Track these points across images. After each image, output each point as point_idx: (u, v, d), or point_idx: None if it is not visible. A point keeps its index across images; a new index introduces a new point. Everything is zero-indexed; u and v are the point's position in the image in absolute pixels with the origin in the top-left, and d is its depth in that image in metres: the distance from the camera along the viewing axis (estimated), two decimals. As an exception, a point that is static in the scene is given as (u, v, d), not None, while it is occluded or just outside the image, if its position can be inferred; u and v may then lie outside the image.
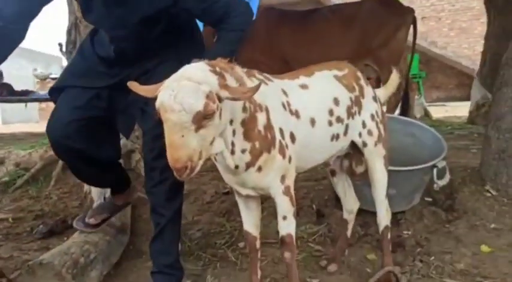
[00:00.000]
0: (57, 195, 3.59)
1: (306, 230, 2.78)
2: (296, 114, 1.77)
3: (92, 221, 2.39)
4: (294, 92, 1.82)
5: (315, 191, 3.33)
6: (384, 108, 5.80)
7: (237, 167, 1.63)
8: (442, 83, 14.27)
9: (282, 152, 1.69)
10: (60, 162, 3.74)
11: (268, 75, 1.78)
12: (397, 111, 5.46)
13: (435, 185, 2.79)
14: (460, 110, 8.84)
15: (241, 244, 2.64)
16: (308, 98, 1.85)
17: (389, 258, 2.18)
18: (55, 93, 2.19)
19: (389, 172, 2.21)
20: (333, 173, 2.32)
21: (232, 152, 1.59)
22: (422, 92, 10.96)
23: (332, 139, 1.92)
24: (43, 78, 12.99)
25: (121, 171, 2.48)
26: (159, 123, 1.95)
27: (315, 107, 1.86)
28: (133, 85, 1.57)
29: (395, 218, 2.82)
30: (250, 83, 1.62)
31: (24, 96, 5.77)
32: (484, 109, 6.36)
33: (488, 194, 3.06)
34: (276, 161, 1.68)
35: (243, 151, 1.61)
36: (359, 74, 2.12)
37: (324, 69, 2.03)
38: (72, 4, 4.26)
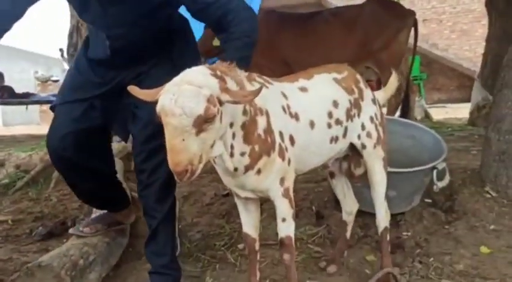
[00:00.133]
0: (57, 197, 3.59)
1: (306, 232, 2.78)
2: (296, 117, 1.77)
3: (86, 230, 2.39)
4: (293, 95, 1.82)
5: (314, 193, 3.33)
6: (384, 110, 5.83)
7: (236, 169, 1.63)
8: (443, 84, 14.27)
9: (282, 154, 1.69)
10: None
11: (268, 78, 1.78)
12: (398, 113, 5.46)
13: (435, 187, 2.79)
14: (461, 111, 8.84)
15: (240, 246, 2.64)
16: (307, 100, 1.85)
17: (388, 260, 2.18)
18: (54, 110, 2.20)
19: (390, 173, 2.21)
20: (332, 175, 2.32)
21: (231, 155, 1.59)
22: (423, 93, 10.98)
23: (331, 141, 1.93)
24: (44, 81, 13.06)
25: (119, 190, 2.46)
26: (148, 126, 1.95)
27: (315, 110, 1.86)
28: (133, 89, 1.56)
29: (395, 219, 2.82)
30: (250, 86, 1.62)
31: (25, 99, 5.80)
32: (485, 111, 6.35)
33: (488, 196, 3.05)
34: (276, 163, 1.69)
35: (242, 154, 1.61)
36: (358, 76, 2.13)
37: (323, 72, 2.03)
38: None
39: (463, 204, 2.95)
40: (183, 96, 1.35)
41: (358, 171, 2.22)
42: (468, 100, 7.76)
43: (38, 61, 16.62)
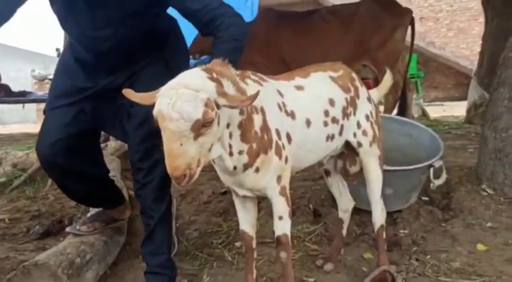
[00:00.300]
0: (54, 196, 3.58)
1: (303, 230, 2.78)
2: (292, 115, 1.77)
3: (83, 228, 2.38)
4: (289, 92, 1.82)
5: (312, 191, 3.34)
6: (381, 109, 5.83)
7: (235, 168, 1.64)
8: (440, 82, 14.29)
9: (279, 152, 1.69)
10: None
11: (263, 76, 1.78)
12: (395, 111, 5.47)
13: (432, 185, 2.80)
14: (458, 109, 8.86)
15: (237, 244, 2.64)
16: (303, 98, 1.85)
17: (384, 257, 2.19)
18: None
19: (386, 171, 2.22)
20: (328, 173, 2.33)
21: (231, 154, 1.59)
22: (421, 92, 10.99)
23: (327, 139, 1.93)
24: (41, 79, 13.01)
25: (112, 188, 2.45)
26: (144, 125, 1.94)
27: (311, 108, 1.87)
28: (128, 93, 1.54)
29: (392, 217, 2.82)
30: (245, 85, 1.62)
31: (22, 97, 5.78)
32: (482, 109, 6.37)
33: (485, 193, 3.07)
34: (273, 162, 1.69)
35: (241, 152, 1.61)
36: (354, 75, 2.13)
37: (319, 70, 2.03)
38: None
39: (460, 202, 2.96)
40: (180, 100, 1.34)
41: (353, 169, 2.23)
42: (465, 98, 7.78)
43: (35, 60, 16.56)
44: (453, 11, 14.23)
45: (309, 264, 2.39)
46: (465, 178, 3.27)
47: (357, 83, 2.11)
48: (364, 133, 2.08)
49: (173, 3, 1.95)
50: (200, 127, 1.35)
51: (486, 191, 3.08)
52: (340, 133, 1.99)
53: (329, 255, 2.38)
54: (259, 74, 1.76)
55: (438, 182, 2.79)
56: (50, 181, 3.74)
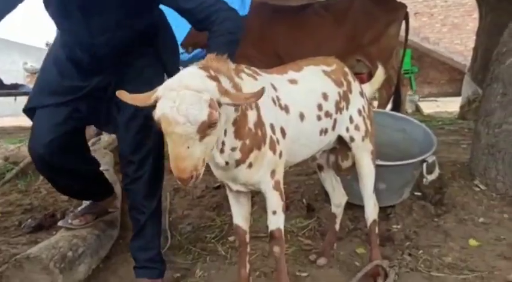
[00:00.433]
0: (46, 190, 3.56)
1: (296, 224, 2.79)
2: (286, 109, 1.77)
3: (76, 222, 2.36)
4: (283, 86, 1.81)
5: (305, 186, 3.34)
6: (375, 104, 5.83)
7: (227, 163, 1.63)
8: (433, 78, 14.32)
9: (273, 147, 1.69)
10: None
11: (256, 70, 1.77)
12: (389, 106, 5.48)
13: (425, 180, 2.81)
14: (452, 105, 8.88)
15: (231, 238, 2.65)
16: (297, 92, 1.85)
17: (377, 252, 2.19)
18: (30, 111, 2.12)
19: (380, 166, 2.22)
20: (321, 168, 2.33)
21: (222, 151, 1.59)
22: (414, 88, 11.01)
23: (321, 134, 1.93)
24: (33, 72, 12.92)
25: (103, 181, 2.44)
26: (135, 117, 1.93)
27: (304, 102, 1.86)
28: (122, 94, 1.50)
29: (385, 212, 2.83)
30: (239, 80, 1.61)
31: (14, 90, 5.72)
32: (475, 104, 6.39)
33: (477, 189, 3.08)
34: (267, 156, 1.68)
35: (233, 149, 1.60)
36: (346, 69, 2.13)
37: (311, 64, 2.03)
38: None
39: (453, 197, 2.97)
40: (185, 103, 1.32)
41: (345, 164, 2.23)
42: (459, 94, 7.81)
43: (27, 52, 16.40)
44: (447, 7, 14.24)
45: (302, 259, 2.40)
46: (458, 173, 3.28)
47: (350, 77, 2.11)
48: (357, 128, 2.08)
49: (166, 2, 1.94)
50: (206, 128, 1.35)
51: (479, 187, 3.09)
52: (333, 127, 1.99)
53: (322, 250, 2.38)
54: (252, 68, 1.76)
55: (431, 177, 2.81)
56: (42, 175, 3.72)
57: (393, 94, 5.36)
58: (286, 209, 1.85)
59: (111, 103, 2.08)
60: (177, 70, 1.61)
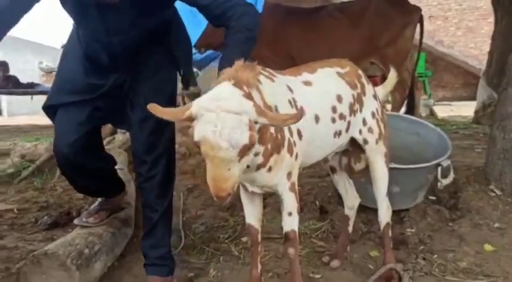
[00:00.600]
0: (62, 187, 3.61)
1: (309, 226, 2.79)
2: (301, 111, 1.77)
3: (91, 220, 2.38)
4: (298, 88, 1.81)
5: (318, 188, 3.34)
6: (389, 107, 5.80)
7: (248, 166, 1.63)
8: (448, 82, 14.21)
9: (290, 150, 1.70)
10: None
11: (272, 71, 1.77)
12: (403, 110, 5.45)
13: (439, 184, 2.79)
14: (466, 109, 8.80)
15: (244, 239, 2.65)
16: (312, 94, 1.85)
17: (390, 255, 2.19)
18: (50, 109, 2.14)
19: (394, 170, 2.21)
20: (334, 170, 2.33)
21: None
22: (428, 91, 10.93)
23: (335, 136, 1.93)
24: (48, 72, 13.07)
25: (117, 179, 2.49)
26: (150, 117, 1.93)
27: (319, 104, 1.86)
28: (154, 108, 1.44)
29: (399, 215, 2.83)
30: (259, 84, 1.59)
31: (30, 89, 5.79)
32: (490, 109, 6.34)
33: (493, 194, 3.06)
34: (285, 159, 1.69)
35: (256, 154, 1.59)
36: (360, 71, 2.13)
37: (326, 66, 2.03)
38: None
39: (467, 201, 2.96)
40: (227, 128, 1.32)
41: (358, 167, 2.23)
42: (473, 98, 7.74)
43: (42, 52, 16.59)
44: (462, 10, 14.13)
45: (315, 261, 2.40)
46: (473, 178, 3.26)
47: (363, 80, 2.11)
48: (370, 130, 2.08)
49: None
50: (246, 150, 1.37)
51: (494, 192, 3.07)
52: (347, 130, 1.99)
53: (335, 252, 2.38)
54: (267, 69, 1.76)
55: (446, 182, 2.79)
56: (58, 173, 3.77)
57: (407, 97, 5.34)
58: (300, 211, 1.85)
59: (127, 101, 2.11)
60: (190, 69, 1.61)
